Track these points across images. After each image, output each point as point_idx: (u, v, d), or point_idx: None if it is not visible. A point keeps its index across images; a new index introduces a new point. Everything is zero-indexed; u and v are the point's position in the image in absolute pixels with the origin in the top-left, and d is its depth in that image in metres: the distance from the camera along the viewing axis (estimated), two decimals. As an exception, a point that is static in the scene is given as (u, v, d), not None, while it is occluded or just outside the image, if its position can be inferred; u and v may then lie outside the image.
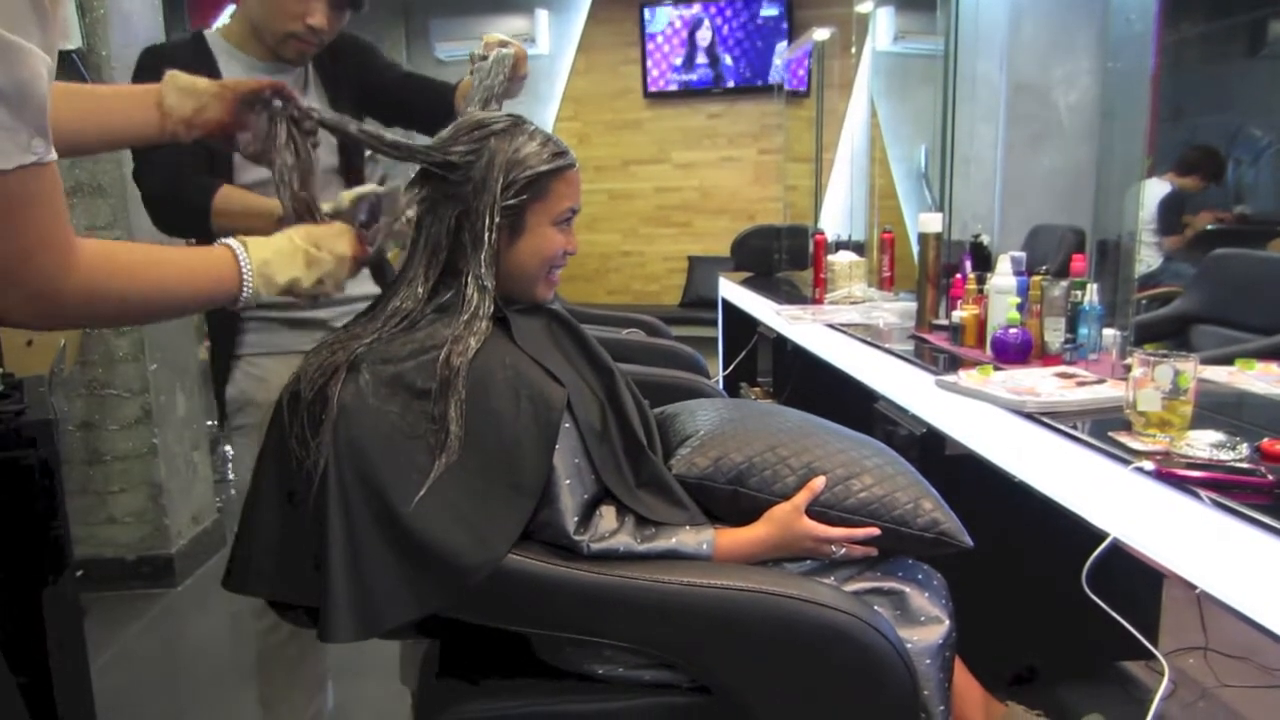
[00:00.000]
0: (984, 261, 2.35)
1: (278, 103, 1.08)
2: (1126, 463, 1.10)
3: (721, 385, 3.75)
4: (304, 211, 1.08)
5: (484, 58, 1.29)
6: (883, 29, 4.04)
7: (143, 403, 2.72)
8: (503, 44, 1.33)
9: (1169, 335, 2.69)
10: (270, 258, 0.98)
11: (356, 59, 1.59)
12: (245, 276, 0.95)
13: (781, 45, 5.44)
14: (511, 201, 1.12)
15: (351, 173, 1.53)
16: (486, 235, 1.11)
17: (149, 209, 1.42)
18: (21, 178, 0.66)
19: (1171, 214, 3.84)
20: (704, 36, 5.63)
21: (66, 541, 1.34)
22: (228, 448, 3.70)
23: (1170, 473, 1.05)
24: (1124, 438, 1.19)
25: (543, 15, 5.74)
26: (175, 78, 1.06)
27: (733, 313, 3.72)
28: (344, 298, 1.46)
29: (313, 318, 1.48)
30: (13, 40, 0.61)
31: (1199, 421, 1.19)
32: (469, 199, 1.11)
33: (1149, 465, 1.07)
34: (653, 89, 5.78)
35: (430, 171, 1.12)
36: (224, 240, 0.96)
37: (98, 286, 0.78)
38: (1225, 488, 1.00)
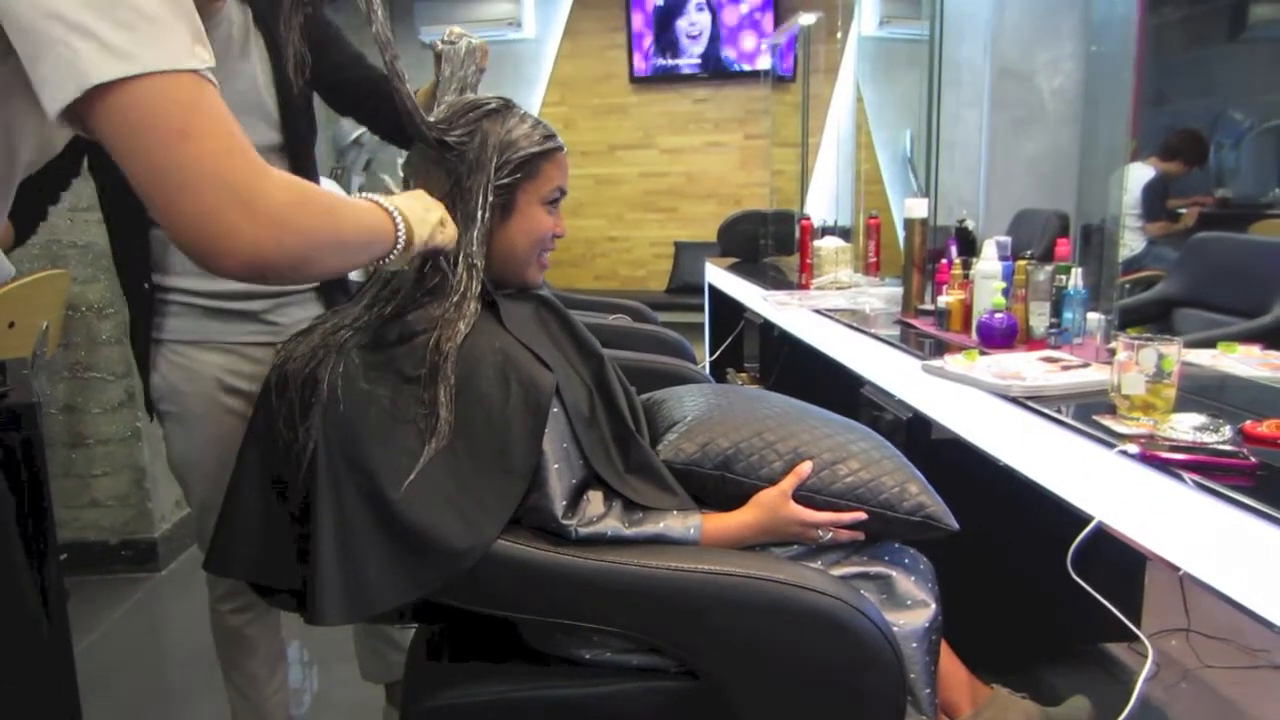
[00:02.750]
0: (969, 246, 2.35)
1: None
2: (1111, 446, 1.11)
3: (708, 370, 3.75)
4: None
5: (451, 43, 1.27)
6: (868, 14, 4.02)
7: (126, 386, 2.70)
8: (467, 35, 1.30)
9: (1152, 319, 2.71)
10: (415, 215, 0.97)
11: (313, 38, 1.51)
12: (399, 231, 0.93)
13: (769, 30, 5.42)
14: (505, 181, 1.13)
15: (300, 149, 1.42)
16: (480, 214, 1.11)
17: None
18: (195, 81, 0.65)
19: (1155, 199, 3.86)
20: (690, 21, 5.60)
21: (51, 525, 1.32)
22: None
23: (1154, 455, 1.05)
24: (1108, 421, 1.19)
25: (528, -1, 5.70)
26: None
27: (719, 298, 3.72)
28: (273, 290, 1.42)
29: (243, 309, 1.41)
30: None
31: (1182, 404, 1.19)
32: (462, 178, 1.11)
33: (1133, 448, 1.08)
34: (639, 74, 5.75)
35: (424, 151, 1.12)
36: (369, 196, 0.94)
37: (297, 193, 0.74)
38: (1208, 470, 1.01)
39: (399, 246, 0.94)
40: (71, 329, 2.65)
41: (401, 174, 1.17)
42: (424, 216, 1.01)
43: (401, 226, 0.94)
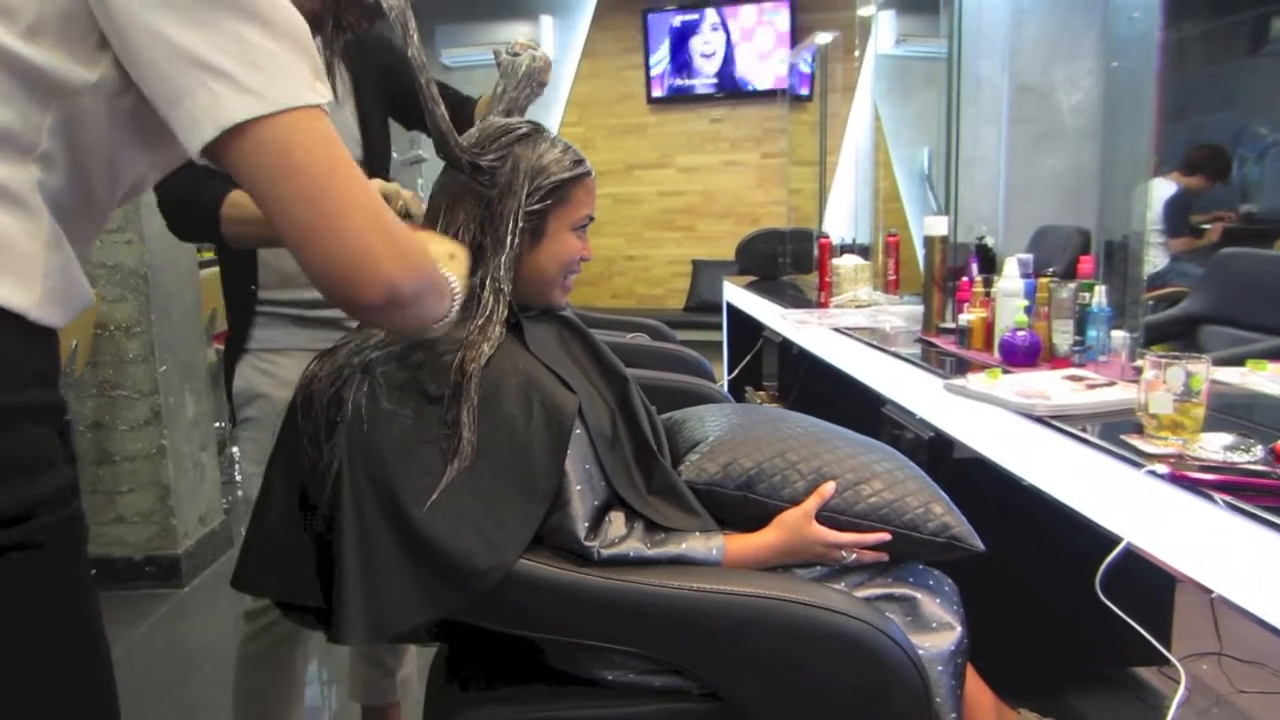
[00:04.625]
0: (989, 263, 2.34)
1: None
2: (1139, 466, 1.10)
3: (727, 389, 3.74)
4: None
5: (514, 54, 1.27)
6: (885, 32, 4.03)
7: (152, 404, 2.73)
8: (533, 47, 1.31)
9: (1177, 336, 2.68)
10: (458, 271, 0.98)
11: (386, 59, 1.56)
12: (455, 290, 0.93)
13: (784, 50, 5.44)
14: (536, 207, 1.14)
15: (378, 174, 1.50)
16: (509, 239, 1.12)
17: (163, 215, 1.41)
18: (319, 115, 0.69)
19: (1178, 214, 3.83)
20: (705, 41, 5.63)
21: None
22: (235, 449, 3.71)
23: (1184, 476, 1.04)
24: (1136, 441, 1.18)
25: (547, 21, 5.75)
26: None
27: (737, 316, 3.71)
28: None
29: (325, 316, 1.47)
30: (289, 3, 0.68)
31: (1211, 424, 1.18)
32: (493, 203, 1.12)
33: (1162, 469, 1.06)
34: (656, 94, 5.78)
35: (455, 175, 1.13)
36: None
37: (405, 229, 0.77)
38: (1239, 490, 0.99)
39: (455, 300, 0.94)
40: (100, 348, 2.68)
41: (429, 198, 1.18)
42: (449, 264, 1.00)
43: (456, 284, 0.94)
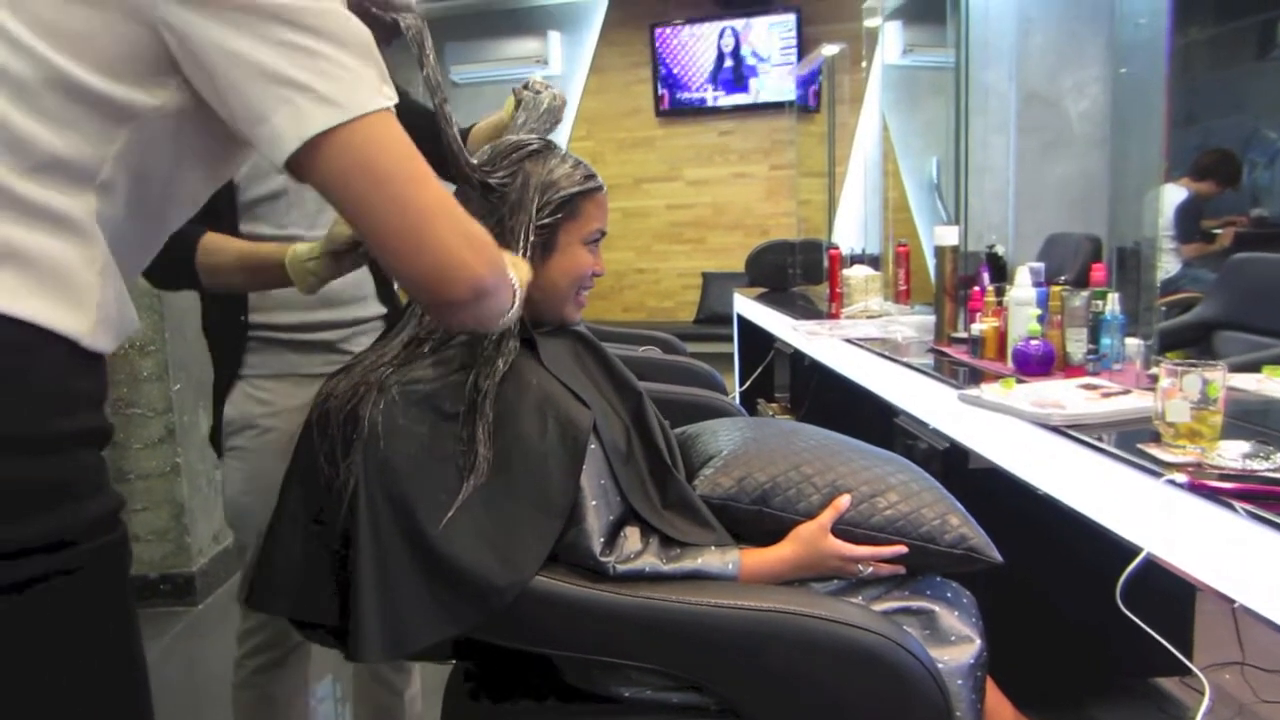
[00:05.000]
0: (1000, 272, 2.33)
1: (390, 15, 1.10)
2: (1158, 475, 1.09)
3: (739, 401, 3.74)
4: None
5: (535, 92, 1.28)
6: (891, 43, 4.04)
7: (166, 422, 2.75)
8: (550, 87, 1.32)
9: (1192, 342, 2.66)
10: (519, 270, 1.00)
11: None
12: (516, 288, 0.95)
13: (792, 62, 5.46)
14: (546, 221, 1.14)
15: None
16: (522, 253, 1.12)
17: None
18: (388, 118, 0.71)
19: (1189, 220, 3.81)
20: (713, 55, 5.65)
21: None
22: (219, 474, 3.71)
23: (1203, 485, 1.03)
24: (1154, 450, 1.17)
25: (555, 37, 5.79)
26: None
27: (748, 328, 3.71)
28: (350, 319, 1.46)
29: (319, 340, 1.45)
30: (342, 6, 0.71)
31: (1228, 431, 1.17)
32: (504, 218, 1.13)
33: (1181, 478, 1.06)
34: (664, 107, 5.80)
35: (467, 191, 1.13)
36: None
37: (480, 227, 0.81)
38: (1260, 499, 0.98)
39: (516, 300, 0.95)
40: (114, 366, 2.70)
41: None
42: (517, 272, 1.01)
43: (516, 282, 0.95)
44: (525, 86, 1.28)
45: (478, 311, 0.82)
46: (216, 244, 1.28)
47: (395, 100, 0.73)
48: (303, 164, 0.70)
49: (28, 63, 0.65)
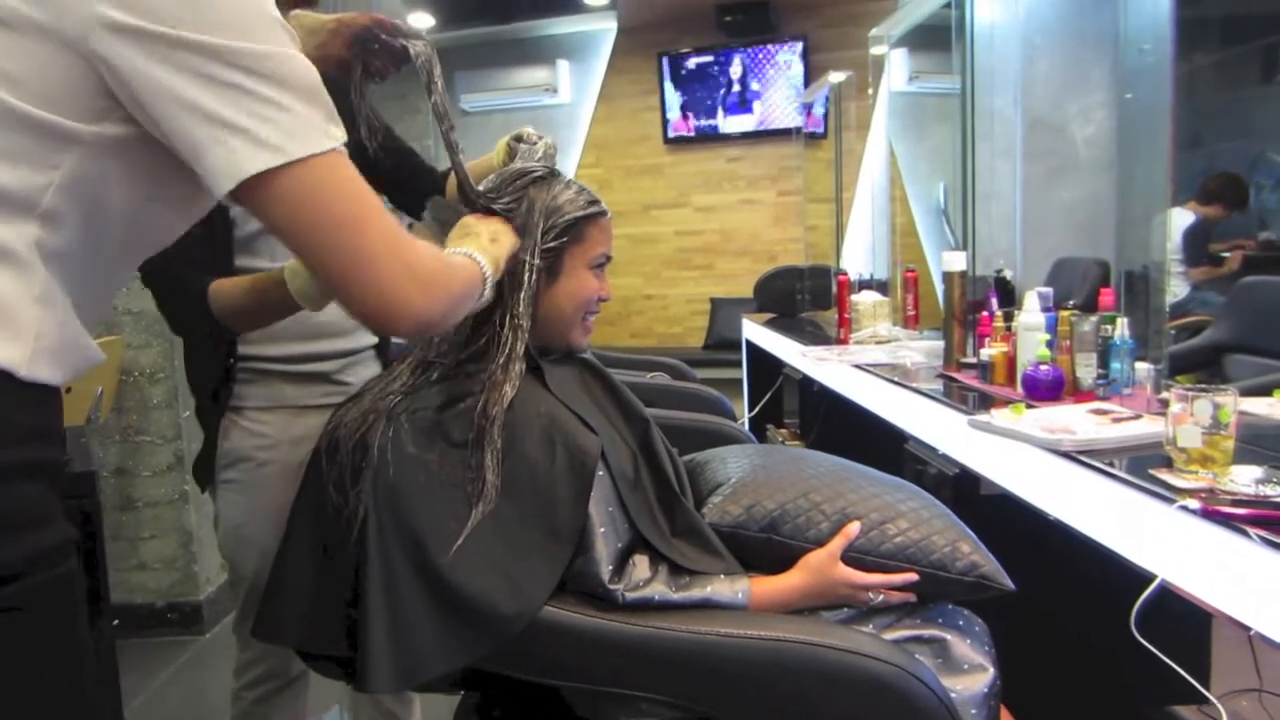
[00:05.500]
0: (1008, 296, 2.33)
1: (401, 41, 1.14)
2: (1170, 501, 1.08)
3: (748, 427, 3.73)
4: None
5: (531, 143, 1.29)
6: (897, 70, 4.07)
7: (175, 449, 2.75)
8: (544, 137, 1.32)
9: (1202, 366, 2.64)
10: (486, 251, 1.04)
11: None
12: (485, 272, 1.00)
13: (799, 89, 5.49)
14: (551, 244, 1.16)
15: None
16: (527, 277, 1.14)
17: (163, 310, 1.37)
18: (334, 157, 0.72)
19: (1197, 243, 3.80)
20: (722, 82, 5.70)
21: (105, 592, 1.33)
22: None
23: (1216, 511, 1.02)
24: (1166, 475, 1.16)
25: (564, 65, 5.85)
26: (300, 16, 1.12)
27: (757, 354, 3.71)
28: (342, 350, 1.46)
29: (315, 371, 1.44)
30: (293, 50, 0.71)
31: (1240, 455, 1.16)
32: None
33: (1194, 504, 1.05)
34: (672, 135, 5.84)
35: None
36: (454, 250, 1.02)
37: (437, 259, 0.85)
38: (1274, 524, 0.97)
39: (486, 284, 1.01)
40: (124, 393, 2.72)
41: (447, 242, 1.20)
42: (488, 247, 1.06)
43: (487, 268, 1.01)
44: (519, 139, 1.28)
45: (436, 332, 0.87)
46: (222, 287, 1.27)
47: (343, 140, 0.73)
48: (244, 200, 0.70)
49: None
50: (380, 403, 1.11)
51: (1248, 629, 0.97)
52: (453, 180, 1.47)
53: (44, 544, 0.67)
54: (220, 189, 0.69)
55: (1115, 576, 1.18)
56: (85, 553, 1.16)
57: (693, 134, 5.81)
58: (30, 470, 0.67)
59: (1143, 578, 1.12)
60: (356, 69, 1.17)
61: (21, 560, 0.65)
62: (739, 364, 4.19)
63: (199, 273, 1.25)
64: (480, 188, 1.16)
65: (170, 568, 2.79)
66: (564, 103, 5.90)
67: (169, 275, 1.27)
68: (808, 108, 5.17)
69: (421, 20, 5.52)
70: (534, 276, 1.14)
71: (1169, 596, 1.10)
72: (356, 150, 1.42)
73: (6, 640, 0.64)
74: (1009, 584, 1.13)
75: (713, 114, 5.75)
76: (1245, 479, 1.09)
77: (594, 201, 1.21)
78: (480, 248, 1.03)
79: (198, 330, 1.38)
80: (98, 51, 0.66)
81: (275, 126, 0.69)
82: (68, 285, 0.72)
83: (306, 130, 0.70)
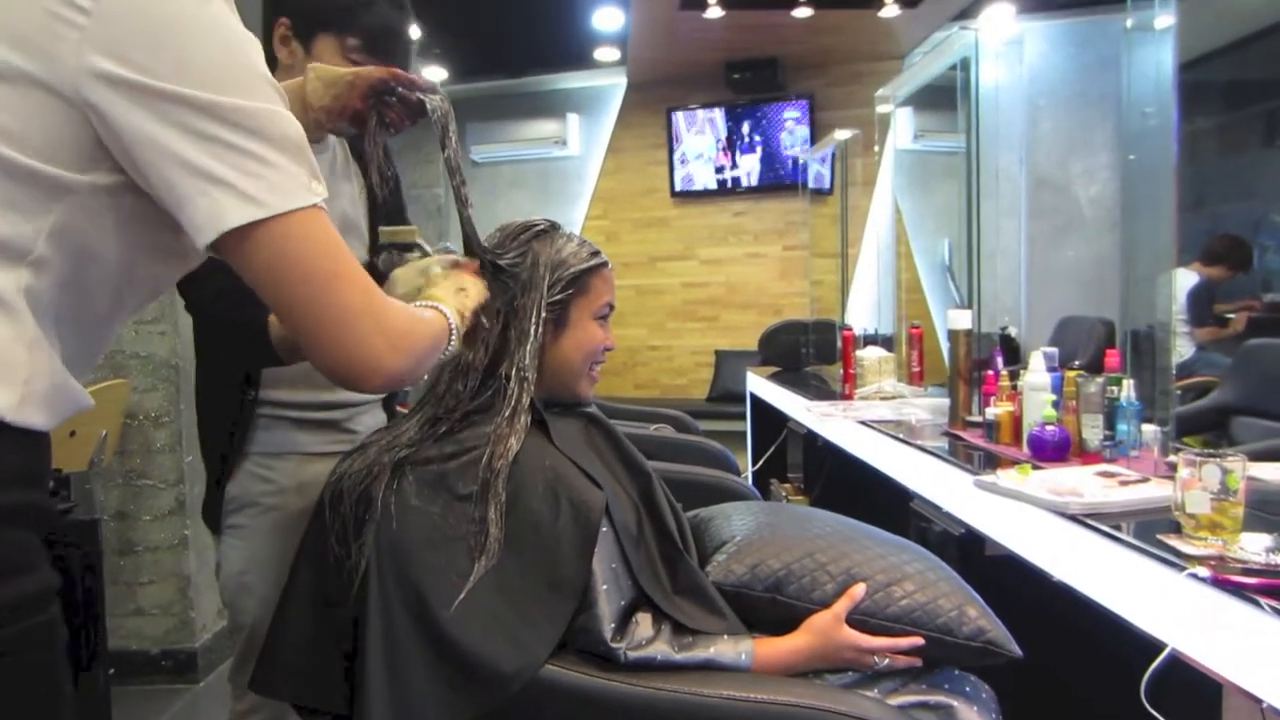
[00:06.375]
0: (1013, 354, 2.34)
1: (417, 95, 1.15)
2: (1179, 568, 1.07)
3: (751, 481, 3.71)
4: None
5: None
6: (903, 128, 4.13)
7: (177, 493, 2.74)
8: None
9: (1208, 428, 2.64)
10: (452, 302, 1.04)
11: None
12: (451, 324, 1.00)
13: (805, 146, 5.57)
14: (558, 297, 1.17)
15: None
16: (533, 329, 1.14)
17: (203, 344, 1.37)
18: (314, 214, 0.73)
19: (1202, 304, 3.82)
20: (728, 138, 5.78)
21: (102, 639, 1.31)
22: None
23: (1226, 579, 1.01)
24: (1174, 541, 1.15)
25: (574, 119, 5.95)
26: (317, 69, 1.14)
27: (761, 407, 3.71)
28: (356, 400, 1.46)
29: (326, 419, 1.44)
30: (279, 107, 0.73)
31: (1250, 522, 1.15)
32: (516, 297, 1.15)
33: (1203, 571, 1.04)
34: (679, 188, 5.91)
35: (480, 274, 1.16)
36: (421, 303, 1.02)
37: (405, 316, 0.86)
38: (1285, 595, 0.96)
39: (453, 337, 1.01)
40: (128, 437, 2.71)
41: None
42: (454, 298, 1.05)
43: (453, 320, 1.01)
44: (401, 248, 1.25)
45: (401, 386, 0.88)
46: (274, 319, 1.24)
47: (324, 196, 0.74)
48: (224, 252, 0.71)
49: None
50: (385, 455, 1.11)
51: (1259, 701, 0.95)
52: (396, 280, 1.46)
53: (26, 590, 0.67)
54: (202, 240, 0.70)
55: (1124, 643, 1.16)
56: (85, 601, 1.14)
57: (700, 188, 5.88)
58: (14, 515, 0.67)
59: (1152, 645, 1.11)
60: (371, 120, 1.19)
61: (2, 607, 0.64)
62: (743, 417, 4.18)
63: (254, 307, 1.24)
64: (487, 244, 1.17)
65: (167, 614, 2.76)
66: (573, 155, 5.98)
67: (227, 314, 1.25)
68: (814, 165, 5.23)
69: (435, 73, 5.63)
70: (540, 329, 1.15)
71: (1179, 665, 1.08)
72: (370, 198, 1.44)
73: None
74: (1016, 650, 1.12)
75: (720, 169, 5.83)
76: (1255, 547, 1.08)
77: (596, 253, 1.23)
78: (446, 298, 1.03)
79: (266, 365, 1.36)
80: (89, 100, 0.67)
81: (258, 180, 0.70)
82: (57, 331, 0.72)
83: (289, 185, 0.71)
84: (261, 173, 0.70)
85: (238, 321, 1.24)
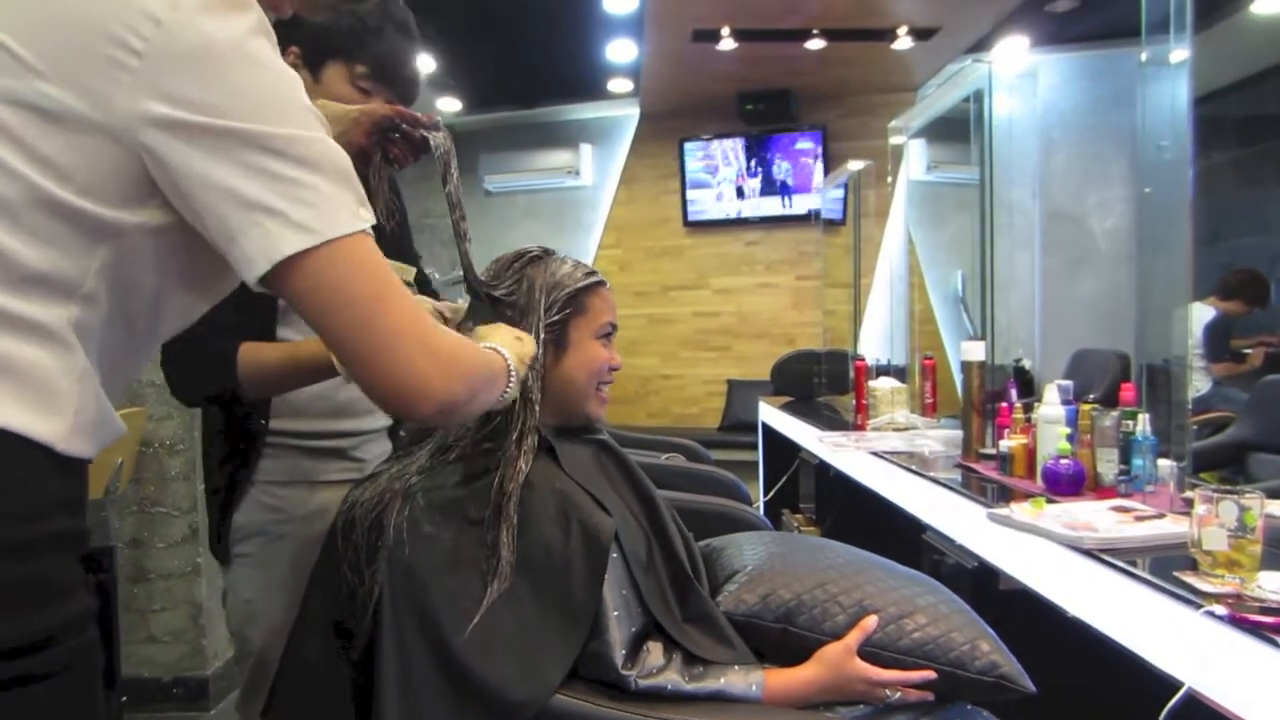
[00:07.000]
0: (1027, 387, 2.33)
1: (420, 132, 1.16)
2: (1196, 606, 1.06)
3: (763, 511, 3.69)
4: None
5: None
6: (916, 160, 4.15)
7: (190, 521, 2.75)
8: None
9: (1225, 464, 2.61)
10: (511, 347, 1.03)
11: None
12: (510, 366, 0.99)
13: (818, 177, 5.60)
14: (555, 318, 1.18)
15: None
16: (535, 352, 1.15)
17: (167, 372, 1.32)
18: (363, 239, 0.74)
19: (1218, 339, 3.79)
20: (741, 168, 5.82)
21: (116, 668, 1.30)
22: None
23: (1244, 618, 1.00)
24: (1191, 578, 1.14)
25: (587, 149, 6.00)
26: (322, 104, 1.14)
27: (773, 437, 3.69)
28: (364, 429, 1.47)
29: (332, 447, 1.44)
30: (327, 136, 0.74)
31: (1268, 560, 1.14)
32: (515, 323, 1.16)
33: (1221, 610, 1.02)
34: (692, 218, 5.94)
35: (479, 305, 1.17)
36: (483, 345, 1.02)
37: (456, 341, 0.85)
38: (1304, 634, 0.95)
39: (512, 380, 1.00)
40: (143, 464, 2.72)
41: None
42: (513, 344, 1.06)
43: (511, 363, 1.00)
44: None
45: (455, 419, 0.88)
46: (256, 352, 1.28)
47: (371, 222, 0.76)
48: (274, 284, 0.72)
49: (12, 184, 0.67)
50: (397, 483, 1.12)
51: (1280, 742, 0.94)
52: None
53: (71, 612, 0.68)
54: (255, 271, 0.71)
55: (1139, 681, 1.15)
56: (102, 628, 1.14)
57: (712, 218, 5.91)
58: (59, 542, 0.69)
59: (1168, 684, 1.09)
60: (375, 156, 1.21)
61: (50, 629, 0.66)
62: (755, 446, 4.17)
63: (223, 337, 1.25)
64: (483, 276, 1.19)
65: (179, 641, 2.75)
66: (586, 185, 6.03)
67: (187, 337, 1.25)
68: (827, 196, 5.26)
69: (449, 104, 5.70)
70: (542, 351, 1.16)
71: (1195, 705, 1.06)
72: (375, 231, 1.47)
73: (34, 707, 0.65)
74: (1029, 686, 1.10)
75: (732, 199, 5.86)
76: (1274, 585, 1.07)
77: (591, 273, 1.23)
78: (505, 343, 1.03)
79: (201, 393, 1.36)
80: (144, 143, 0.69)
81: (309, 209, 0.71)
82: (99, 362, 0.74)
83: (338, 212, 0.73)
84: (313, 200, 0.71)
85: (195, 345, 1.24)
